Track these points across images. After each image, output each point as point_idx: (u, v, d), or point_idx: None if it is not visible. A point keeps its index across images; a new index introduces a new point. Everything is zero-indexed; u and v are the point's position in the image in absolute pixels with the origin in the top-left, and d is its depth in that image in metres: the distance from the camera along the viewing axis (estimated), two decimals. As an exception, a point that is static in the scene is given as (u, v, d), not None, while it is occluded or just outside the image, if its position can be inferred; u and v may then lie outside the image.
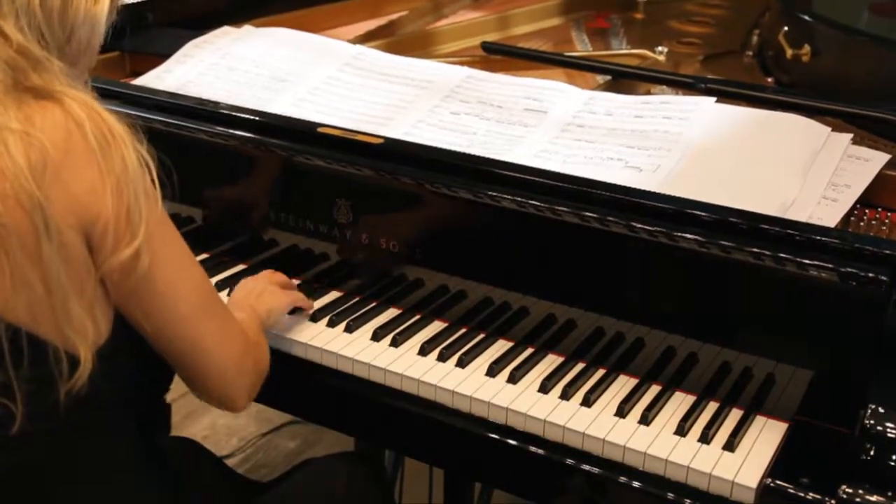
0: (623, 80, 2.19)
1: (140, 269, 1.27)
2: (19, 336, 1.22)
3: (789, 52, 2.24)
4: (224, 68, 2.13)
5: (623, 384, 1.62)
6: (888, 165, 1.70)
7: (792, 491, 1.39)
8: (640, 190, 1.60)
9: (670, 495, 1.45)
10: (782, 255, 1.46)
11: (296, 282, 1.86)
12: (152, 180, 1.28)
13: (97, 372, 1.26)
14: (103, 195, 1.23)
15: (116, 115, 1.27)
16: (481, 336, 1.73)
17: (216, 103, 1.95)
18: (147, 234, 1.25)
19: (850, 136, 1.75)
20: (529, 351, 1.69)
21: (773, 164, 1.68)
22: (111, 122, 1.25)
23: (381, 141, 1.79)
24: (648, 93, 2.16)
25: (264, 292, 1.70)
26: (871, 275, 1.41)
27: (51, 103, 1.22)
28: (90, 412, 1.30)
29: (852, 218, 1.66)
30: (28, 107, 1.21)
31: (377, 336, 1.72)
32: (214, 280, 1.83)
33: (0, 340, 1.21)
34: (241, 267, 1.93)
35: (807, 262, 1.44)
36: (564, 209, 1.60)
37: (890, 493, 1.34)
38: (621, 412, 1.54)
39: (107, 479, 1.38)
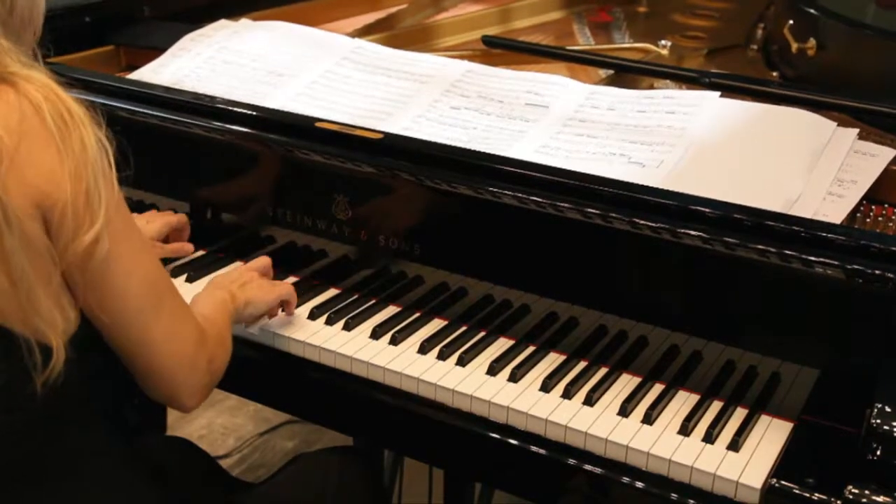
0: (626, 74, 2.19)
1: (99, 255, 1.25)
2: None
3: (794, 46, 2.24)
4: (221, 62, 2.13)
5: (626, 383, 1.61)
6: (895, 161, 1.70)
7: (797, 491, 1.38)
8: (643, 186, 1.60)
9: (674, 496, 1.44)
10: (787, 251, 1.45)
11: (292, 279, 1.86)
12: (109, 164, 1.27)
13: (71, 361, 1.25)
14: (62, 179, 1.21)
15: (74, 97, 1.25)
16: (482, 334, 1.72)
17: (213, 98, 1.94)
18: (105, 218, 1.24)
19: (857, 131, 1.75)
20: (531, 349, 1.69)
21: (778, 160, 1.68)
22: (69, 102, 1.23)
23: (380, 136, 1.78)
24: (651, 87, 2.16)
25: (250, 283, 1.68)
26: (877, 272, 1.41)
27: (4, 86, 1.21)
28: (65, 403, 1.30)
29: (858, 214, 1.66)
30: None
31: (376, 334, 1.72)
32: (208, 277, 1.82)
33: None
34: (236, 264, 1.93)
35: (812, 259, 1.44)
36: (566, 205, 1.60)
37: (897, 494, 1.34)
38: (624, 411, 1.54)
39: (79, 473, 1.37)
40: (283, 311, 1.75)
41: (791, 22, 2.29)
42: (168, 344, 1.37)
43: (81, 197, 1.22)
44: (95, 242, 1.24)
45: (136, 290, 1.32)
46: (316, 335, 1.71)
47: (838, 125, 1.75)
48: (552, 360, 1.67)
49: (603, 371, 1.63)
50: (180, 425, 3.04)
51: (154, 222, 1.88)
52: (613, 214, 1.56)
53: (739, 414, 1.54)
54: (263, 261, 1.78)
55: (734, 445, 1.47)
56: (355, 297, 1.82)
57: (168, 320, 1.37)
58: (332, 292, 1.85)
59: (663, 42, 2.44)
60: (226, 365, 1.51)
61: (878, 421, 1.36)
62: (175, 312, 1.39)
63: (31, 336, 1.23)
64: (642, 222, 1.55)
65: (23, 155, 1.19)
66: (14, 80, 1.22)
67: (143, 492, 1.47)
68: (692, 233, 1.51)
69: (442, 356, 1.67)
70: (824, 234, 1.46)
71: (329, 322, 1.75)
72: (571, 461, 1.51)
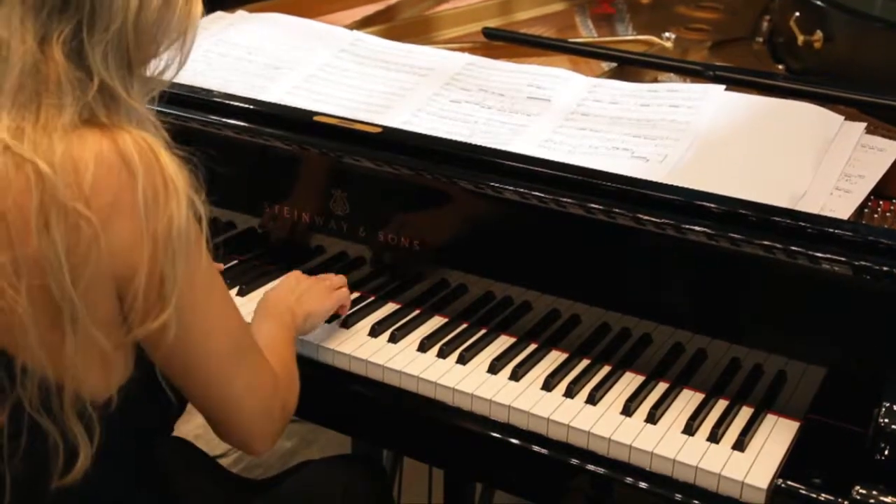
0: (629, 67, 2.18)
1: (166, 339, 1.23)
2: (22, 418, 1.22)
3: (801, 39, 2.24)
4: (216, 55, 2.13)
5: (629, 381, 1.61)
6: (903, 155, 1.70)
7: (804, 492, 1.38)
8: (646, 181, 1.60)
9: (678, 496, 1.44)
10: (794, 248, 1.45)
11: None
12: (199, 231, 1.24)
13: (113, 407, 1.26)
14: (139, 262, 1.18)
15: (179, 161, 1.22)
16: (483, 332, 1.72)
17: (208, 91, 1.94)
18: (180, 296, 1.21)
19: (864, 125, 1.75)
20: (532, 347, 1.69)
21: (785, 154, 1.67)
22: (169, 170, 1.19)
23: (378, 130, 1.78)
24: (655, 80, 2.15)
25: (307, 293, 1.65)
26: (885, 268, 1.41)
27: (109, 143, 1.17)
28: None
29: (866, 210, 1.65)
30: (84, 143, 1.17)
31: (375, 332, 1.72)
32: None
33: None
34: (233, 262, 1.93)
35: (819, 255, 1.44)
36: (568, 200, 1.60)
37: (905, 494, 1.34)
38: (627, 410, 1.54)
39: (88, 479, 1.36)
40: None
41: (797, 14, 2.28)
42: (246, 398, 1.36)
43: (155, 283, 1.20)
44: (162, 330, 1.22)
45: (216, 350, 1.31)
46: (313, 333, 1.71)
47: (845, 119, 1.75)
48: (554, 358, 1.67)
49: (606, 369, 1.63)
50: (176, 425, 3.03)
51: None
52: (616, 210, 1.56)
53: (745, 413, 1.53)
54: (325, 276, 1.75)
55: (740, 445, 1.46)
56: (354, 294, 1.81)
57: (247, 375, 1.35)
58: (330, 289, 1.84)
59: (667, 34, 2.44)
60: (296, 404, 1.48)
61: (887, 420, 1.36)
62: (253, 366, 1.37)
63: (58, 434, 1.22)
64: (646, 218, 1.54)
65: (107, 230, 1.16)
66: (123, 140, 1.18)
67: (153, 496, 1.47)
68: (696, 228, 1.51)
69: (442, 354, 1.66)
70: (831, 230, 1.46)
71: (327, 320, 1.75)
72: (574, 461, 1.51)
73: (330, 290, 1.69)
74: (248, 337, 1.38)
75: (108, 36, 1.19)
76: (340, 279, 1.74)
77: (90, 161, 1.15)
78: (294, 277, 1.70)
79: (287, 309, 1.60)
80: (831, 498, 1.36)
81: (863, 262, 1.42)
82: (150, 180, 1.17)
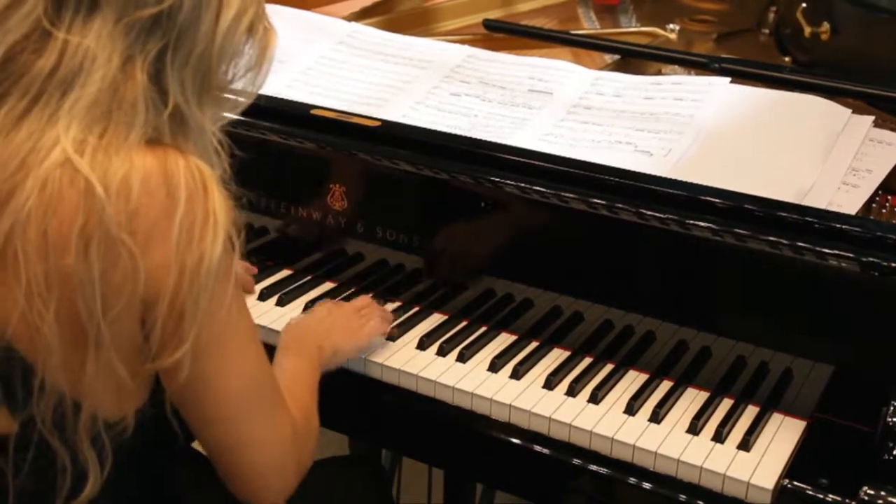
0: (632, 59, 2.18)
1: (178, 378, 1.20)
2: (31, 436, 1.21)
3: (808, 30, 2.24)
4: (212, 47, 2.12)
5: (632, 380, 1.61)
6: (912, 149, 1.70)
7: (811, 492, 1.38)
8: (650, 175, 1.60)
9: (682, 497, 1.44)
10: (800, 243, 1.45)
11: (286, 272, 1.86)
12: (229, 267, 1.21)
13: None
14: (162, 286, 1.15)
15: (228, 197, 1.19)
16: (483, 329, 1.72)
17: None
18: (198, 334, 1.18)
19: (872, 118, 1.75)
20: (534, 345, 1.69)
21: (791, 148, 1.67)
22: (213, 205, 1.16)
23: (377, 124, 1.78)
24: (659, 73, 2.15)
25: (337, 327, 1.61)
26: (893, 264, 1.41)
27: (158, 166, 1.15)
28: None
29: (874, 205, 1.65)
30: (136, 162, 1.14)
31: (374, 329, 1.72)
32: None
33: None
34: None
35: (826, 251, 1.44)
36: (571, 195, 1.60)
37: (913, 495, 1.33)
38: (631, 409, 1.54)
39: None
40: None
41: (804, 5, 2.28)
42: (259, 449, 1.31)
43: (174, 316, 1.17)
44: (176, 367, 1.19)
45: (231, 393, 1.26)
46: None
47: (853, 112, 1.75)
48: (556, 356, 1.67)
49: (609, 368, 1.63)
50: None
51: None
52: (619, 205, 1.56)
53: (750, 412, 1.53)
54: (363, 301, 1.71)
55: (745, 445, 1.46)
56: (352, 291, 1.82)
57: (262, 424, 1.30)
58: (327, 286, 1.85)
59: (671, 26, 2.43)
60: (310, 461, 1.41)
61: (895, 419, 1.36)
62: (271, 415, 1.31)
63: (67, 456, 1.20)
64: (649, 213, 1.54)
65: (143, 255, 1.14)
66: (174, 163, 1.16)
67: (144, 495, 1.47)
68: (701, 224, 1.51)
69: (442, 352, 1.66)
70: (838, 226, 1.46)
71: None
72: (576, 461, 1.51)
73: (361, 326, 1.64)
74: (269, 383, 1.32)
75: (191, 60, 1.18)
76: (381, 310, 1.70)
77: (137, 182, 1.13)
78: (325, 309, 1.65)
79: (314, 344, 1.55)
80: (838, 499, 1.36)
81: (870, 258, 1.42)
82: (190, 210, 1.14)
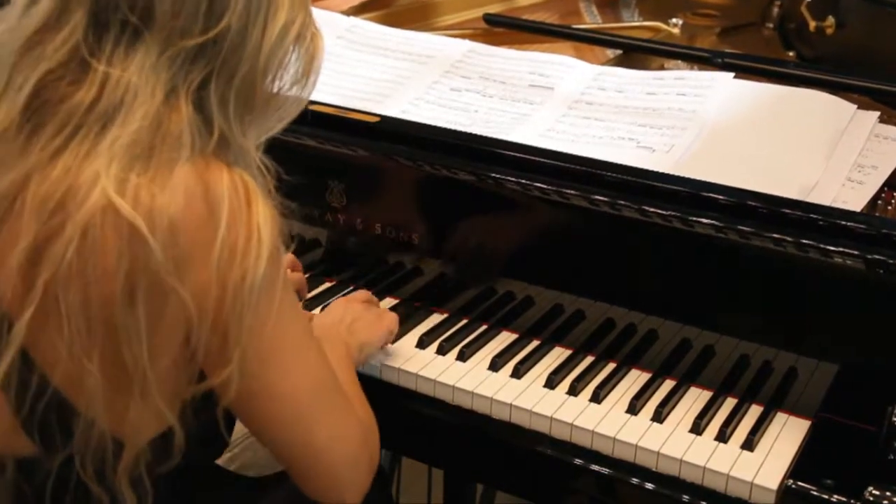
0: (635, 54, 2.18)
1: (229, 395, 1.17)
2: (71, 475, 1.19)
3: (812, 24, 2.24)
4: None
5: (635, 379, 1.61)
6: (918, 145, 1.70)
7: (815, 493, 1.38)
8: (652, 171, 1.60)
9: (685, 497, 1.44)
10: (804, 241, 1.45)
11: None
12: (273, 279, 1.17)
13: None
14: (205, 306, 1.12)
15: (274, 211, 1.16)
16: (483, 328, 1.72)
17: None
18: (245, 349, 1.15)
19: (878, 113, 1.75)
20: (535, 344, 1.68)
21: (795, 144, 1.67)
22: (257, 221, 1.13)
23: (376, 119, 1.78)
24: (662, 68, 2.15)
25: (357, 322, 1.58)
26: (899, 262, 1.41)
27: (201, 186, 1.11)
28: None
29: (879, 201, 1.65)
30: (178, 181, 1.11)
31: (372, 328, 1.72)
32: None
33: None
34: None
35: (831, 248, 1.44)
36: (572, 192, 1.59)
37: (919, 495, 1.33)
38: (633, 409, 1.54)
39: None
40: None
41: (809, -1, 2.28)
42: (331, 448, 1.28)
43: (217, 336, 1.14)
44: (225, 386, 1.16)
45: (293, 396, 1.23)
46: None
47: (858, 108, 1.75)
48: (557, 354, 1.67)
49: (611, 366, 1.63)
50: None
51: None
52: (621, 202, 1.56)
53: (754, 411, 1.53)
54: (362, 294, 1.69)
55: (749, 445, 1.46)
56: (351, 288, 1.81)
57: (331, 422, 1.27)
58: (325, 284, 1.84)
59: (674, 20, 2.43)
60: (379, 452, 1.38)
61: (900, 419, 1.36)
62: (339, 413, 1.29)
63: (107, 498, 1.19)
64: (652, 210, 1.54)
65: (182, 279, 1.10)
66: (217, 181, 1.12)
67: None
68: (704, 221, 1.51)
69: (441, 351, 1.66)
70: (843, 223, 1.46)
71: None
72: (578, 461, 1.51)
73: (380, 317, 1.63)
74: (332, 381, 1.29)
75: (235, 81, 1.15)
76: (377, 303, 1.68)
77: (180, 193, 1.09)
78: (341, 306, 1.62)
79: (340, 341, 1.52)
80: (843, 499, 1.36)
81: (876, 256, 1.41)
82: (233, 228, 1.11)
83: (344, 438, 1.29)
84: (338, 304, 1.64)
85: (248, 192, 1.13)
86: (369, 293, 1.71)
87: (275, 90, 1.22)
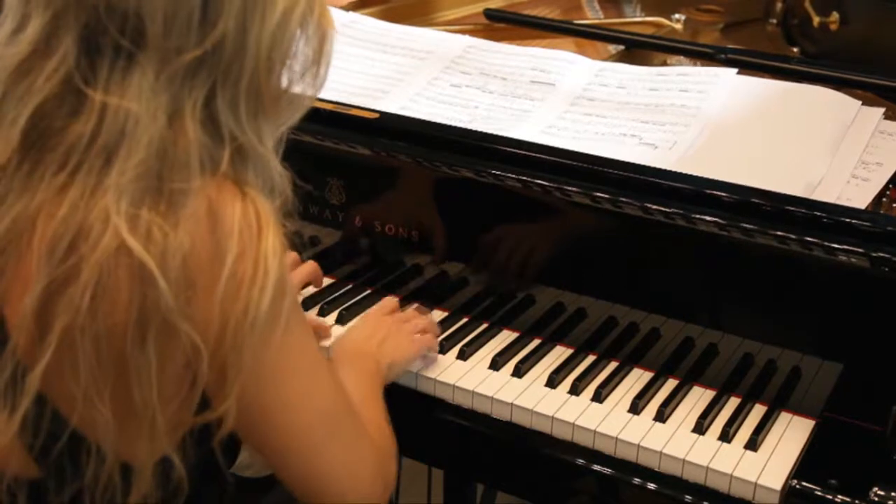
0: (637, 50, 2.18)
1: (226, 428, 1.13)
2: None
3: (816, 20, 2.23)
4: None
5: (637, 378, 1.61)
6: (923, 142, 1.70)
7: (819, 493, 1.38)
8: (655, 168, 1.60)
9: (688, 498, 1.44)
10: (809, 238, 1.45)
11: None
12: (280, 310, 1.13)
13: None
14: (205, 336, 1.09)
15: (283, 239, 1.12)
16: (484, 326, 1.72)
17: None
18: (245, 381, 1.12)
19: (883, 110, 1.75)
20: (536, 342, 1.68)
21: (799, 141, 1.67)
22: (264, 253, 1.08)
23: (375, 116, 1.78)
24: (664, 64, 2.15)
25: (389, 340, 1.55)
26: (905, 260, 1.41)
27: (209, 219, 1.08)
28: None
29: (884, 199, 1.65)
30: (188, 214, 1.07)
31: (372, 326, 1.71)
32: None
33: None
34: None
35: (835, 246, 1.43)
36: (574, 189, 1.59)
37: (925, 496, 1.33)
38: (635, 408, 1.54)
39: None
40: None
41: (813, -6, 2.28)
42: (342, 477, 1.25)
43: (215, 369, 1.11)
44: (223, 415, 1.12)
45: (306, 423, 1.20)
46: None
47: (863, 104, 1.75)
48: (559, 353, 1.66)
49: (613, 365, 1.63)
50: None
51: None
52: (624, 199, 1.56)
53: (758, 411, 1.53)
54: (390, 303, 1.67)
55: (752, 445, 1.46)
56: (349, 286, 1.81)
57: (342, 450, 1.24)
58: (324, 282, 1.84)
59: (677, 16, 2.43)
60: (395, 479, 1.36)
61: (906, 418, 1.36)
62: (348, 439, 1.25)
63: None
64: (654, 207, 1.54)
65: (193, 293, 1.08)
66: (226, 196, 1.08)
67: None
68: (707, 218, 1.51)
69: (442, 350, 1.66)
70: (848, 220, 1.45)
71: (322, 313, 1.74)
72: (579, 461, 1.51)
73: (412, 334, 1.60)
74: (342, 409, 1.25)
75: (243, 84, 1.10)
76: (428, 321, 1.65)
77: (189, 242, 1.06)
78: (373, 320, 1.59)
79: (370, 357, 1.50)
80: (848, 499, 1.36)
81: (881, 254, 1.41)
82: (239, 266, 1.07)
83: (355, 468, 1.26)
84: (370, 318, 1.61)
85: (259, 222, 1.09)
86: (396, 301, 1.68)
87: (285, 83, 1.17)
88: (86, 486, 1.15)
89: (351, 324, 1.70)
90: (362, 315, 1.65)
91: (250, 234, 1.08)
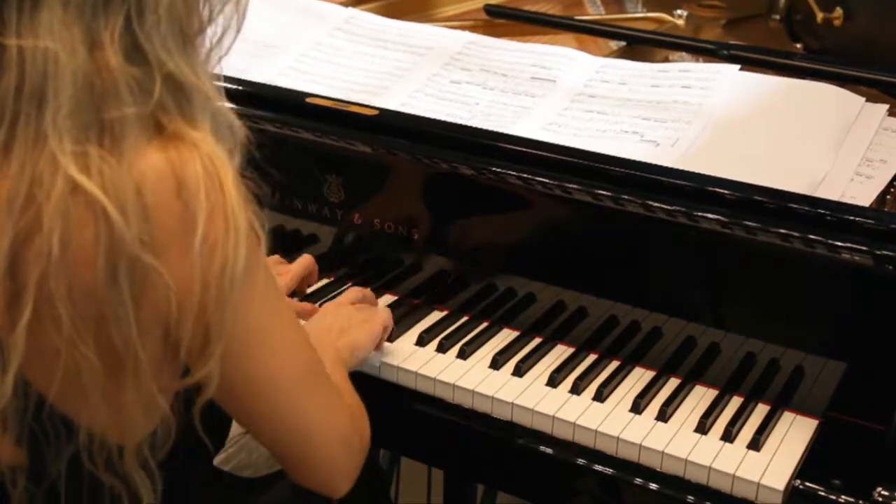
0: (639, 46, 2.18)
1: (210, 389, 1.15)
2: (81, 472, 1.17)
3: (820, 16, 2.23)
4: (204, 33, 2.12)
5: (639, 377, 1.61)
6: (928, 139, 1.70)
7: (823, 493, 1.38)
8: (657, 166, 1.60)
9: (690, 498, 1.44)
10: (812, 236, 1.45)
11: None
12: (257, 261, 1.15)
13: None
14: (185, 301, 1.10)
15: (239, 187, 1.11)
16: (484, 325, 1.72)
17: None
18: (228, 342, 1.13)
19: (887, 106, 1.75)
20: (537, 341, 1.68)
21: (802, 138, 1.67)
22: (231, 208, 1.09)
23: (375, 112, 1.78)
24: (666, 60, 2.15)
25: (347, 325, 1.57)
26: (909, 258, 1.40)
27: (167, 159, 1.07)
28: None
29: (888, 196, 1.65)
30: (148, 164, 1.07)
31: (371, 325, 1.71)
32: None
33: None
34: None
35: (839, 244, 1.43)
36: (574, 187, 1.59)
37: (929, 496, 1.33)
38: (637, 408, 1.54)
39: None
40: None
41: (816, -11, 2.28)
42: (323, 431, 1.28)
43: (200, 332, 1.11)
44: (206, 379, 1.14)
45: (281, 381, 1.22)
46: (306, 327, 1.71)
47: (867, 100, 1.74)
48: (560, 352, 1.66)
49: (614, 364, 1.63)
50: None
51: (282, 276, 1.75)
52: (625, 196, 1.56)
53: (760, 411, 1.53)
54: (353, 293, 1.68)
55: (755, 444, 1.46)
56: (348, 285, 1.81)
57: (321, 405, 1.27)
58: (323, 281, 1.84)
59: (679, 11, 2.43)
60: (370, 436, 1.40)
61: (910, 418, 1.36)
62: (327, 395, 1.29)
63: (119, 484, 1.17)
64: (656, 205, 1.54)
65: (162, 262, 1.08)
66: (178, 143, 1.08)
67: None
68: (710, 216, 1.51)
69: (441, 348, 1.66)
70: (852, 218, 1.45)
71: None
72: (580, 461, 1.51)
73: (370, 317, 1.61)
74: (318, 365, 1.29)
75: (160, 14, 1.08)
76: (372, 297, 1.68)
77: (149, 192, 1.06)
78: (330, 312, 1.61)
79: (330, 346, 1.52)
80: (851, 500, 1.36)
81: (885, 252, 1.41)
82: (210, 226, 1.08)
83: (333, 421, 1.29)
84: (327, 309, 1.63)
85: (219, 175, 1.09)
86: (361, 290, 1.70)
87: (206, 15, 1.16)
88: (82, 450, 1.16)
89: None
90: (322, 307, 1.66)
91: (215, 192, 1.09)
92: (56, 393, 1.13)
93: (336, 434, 1.30)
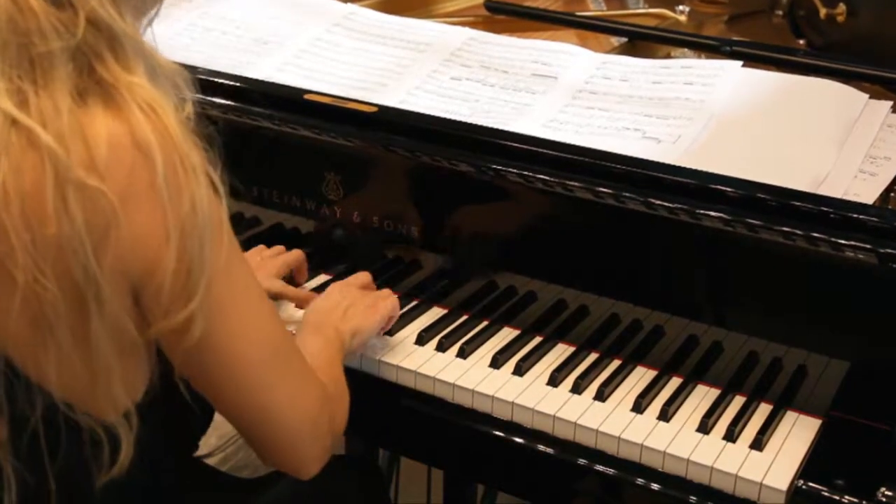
0: (640, 42, 2.18)
1: (192, 336, 1.15)
2: (57, 418, 1.17)
3: (823, 12, 2.23)
4: (201, 29, 2.12)
5: (640, 376, 1.61)
6: (932, 136, 1.70)
7: (826, 494, 1.38)
8: (658, 163, 1.59)
9: (692, 498, 1.44)
10: (815, 234, 1.45)
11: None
12: (220, 217, 1.17)
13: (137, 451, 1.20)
14: (162, 248, 1.11)
15: (189, 132, 1.14)
16: (484, 323, 1.72)
17: (193, 68, 1.91)
18: (206, 287, 1.14)
19: (890, 103, 1.75)
20: (537, 340, 1.68)
21: (805, 135, 1.67)
22: (184, 148, 1.11)
23: (374, 109, 1.78)
24: (668, 56, 2.15)
25: (353, 307, 1.59)
26: (913, 256, 1.40)
27: (113, 115, 1.09)
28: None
29: (892, 194, 1.65)
30: (93, 120, 1.08)
31: (370, 324, 1.71)
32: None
33: (38, 425, 1.16)
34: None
35: (842, 242, 1.43)
36: (575, 184, 1.59)
37: (933, 496, 1.33)
38: (638, 407, 1.54)
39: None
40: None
41: (819, -15, 2.28)
42: (290, 411, 1.28)
43: (182, 273, 1.12)
44: (189, 322, 1.15)
45: (250, 354, 1.23)
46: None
47: (870, 97, 1.74)
48: (560, 351, 1.66)
49: (615, 364, 1.63)
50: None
51: (271, 265, 1.77)
52: (627, 194, 1.56)
53: (763, 410, 1.53)
54: (362, 277, 1.72)
55: (758, 444, 1.46)
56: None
57: (289, 385, 1.28)
58: (322, 278, 1.84)
59: (681, 7, 2.43)
60: (346, 420, 1.42)
61: (914, 418, 1.36)
62: (297, 374, 1.29)
63: (98, 427, 1.17)
64: (658, 202, 1.54)
65: (124, 219, 1.09)
66: (128, 109, 1.09)
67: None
68: (712, 214, 1.51)
69: (441, 347, 1.66)
70: (855, 216, 1.45)
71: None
72: (581, 461, 1.51)
73: (376, 303, 1.63)
74: (288, 341, 1.29)
75: None
76: (386, 291, 1.69)
77: (102, 142, 1.08)
78: (337, 291, 1.63)
79: (332, 326, 1.54)
80: (855, 500, 1.36)
81: (889, 250, 1.41)
82: (169, 162, 1.09)
83: (302, 403, 1.30)
84: (334, 289, 1.64)
85: (163, 122, 1.11)
86: (368, 276, 1.71)
87: None
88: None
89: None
90: (329, 286, 1.66)
91: (167, 140, 1.10)
92: (24, 341, 1.13)
93: (302, 417, 1.30)
